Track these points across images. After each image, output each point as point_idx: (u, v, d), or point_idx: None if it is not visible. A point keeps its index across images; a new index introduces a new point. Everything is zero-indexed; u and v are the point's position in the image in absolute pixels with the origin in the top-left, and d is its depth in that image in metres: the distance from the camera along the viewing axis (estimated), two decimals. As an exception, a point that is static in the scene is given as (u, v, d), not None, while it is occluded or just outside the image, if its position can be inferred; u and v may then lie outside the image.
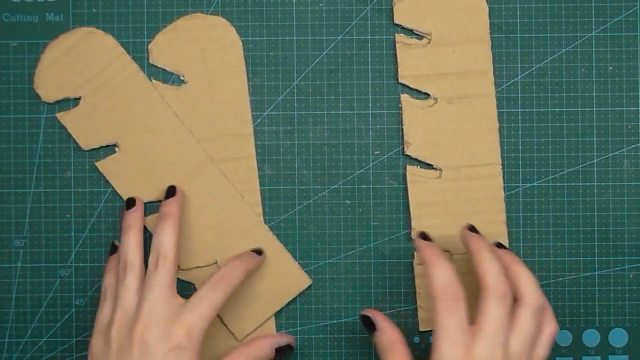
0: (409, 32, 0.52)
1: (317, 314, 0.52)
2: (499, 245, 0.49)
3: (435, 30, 0.51)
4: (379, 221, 0.52)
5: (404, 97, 0.52)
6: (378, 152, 0.52)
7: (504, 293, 0.43)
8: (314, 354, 0.52)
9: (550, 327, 0.45)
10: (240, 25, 0.52)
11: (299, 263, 0.52)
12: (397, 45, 0.51)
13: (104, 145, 0.51)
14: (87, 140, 0.51)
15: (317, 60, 0.52)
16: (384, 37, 0.52)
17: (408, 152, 0.51)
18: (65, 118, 0.51)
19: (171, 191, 0.50)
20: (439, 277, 0.44)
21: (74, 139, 0.52)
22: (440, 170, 0.51)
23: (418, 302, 0.51)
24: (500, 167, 0.51)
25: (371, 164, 0.52)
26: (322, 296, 0.52)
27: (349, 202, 0.52)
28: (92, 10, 0.52)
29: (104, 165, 0.51)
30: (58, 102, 0.51)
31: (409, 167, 0.52)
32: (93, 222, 0.52)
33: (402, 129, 0.52)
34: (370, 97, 0.52)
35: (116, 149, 0.51)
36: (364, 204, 0.52)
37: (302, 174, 0.52)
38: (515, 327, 0.44)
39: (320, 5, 0.52)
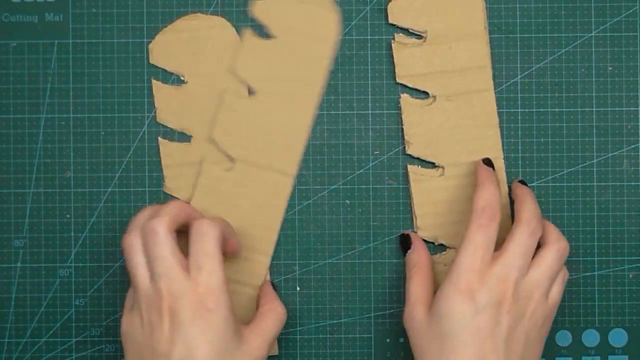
0: (406, 32, 0.52)
1: (317, 314, 0.52)
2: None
3: (431, 28, 0.51)
4: (378, 221, 0.52)
5: (404, 97, 0.51)
6: (378, 152, 0.52)
7: (534, 229, 0.46)
8: (314, 354, 0.52)
9: (564, 272, 0.48)
10: (240, 26, 0.52)
11: (298, 263, 0.52)
12: (393, 45, 0.51)
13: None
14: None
15: (316, 60, 0.52)
16: (384, 37, 0.52)
17: (409, 151, 0.51)
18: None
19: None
20: (483, 197, 0.46)
21: (73, 139, 0.52)
22: (443, 168, 0.51)
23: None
24: (503, 161, 0.51)
25: (371, 164, 0.52)
26: (322, 296, 0.52)
27: (348, 202, 0.52)
28: (91, 10, 0.52)
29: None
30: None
31: (410, 167, 0.52)
32: (93, 222, 0.52)
33: (401, 128, 0.52)
34: (369, 97, 0.52)
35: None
36: (364, 204, 0.52)
37: (301, 174, 0.52)
38: (538, 259, 0.46)
39: (320, 5, 0.52)
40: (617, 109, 0.52)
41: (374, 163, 0.52)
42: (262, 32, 0.51)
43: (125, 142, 0.52)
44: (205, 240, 0.45)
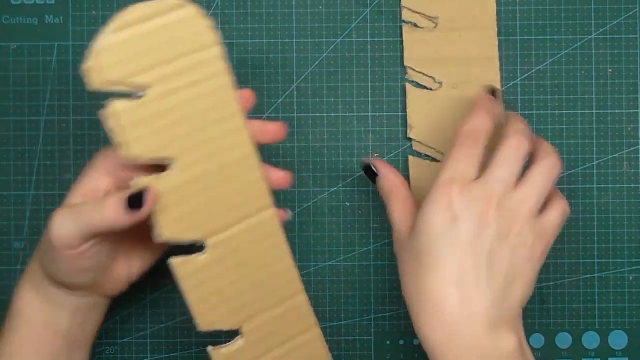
0: (414, 25, 0.52)
1: (317, 316, 0.52)
2: None
3: (442, 15, 0.51)
4: (378, 223, 0.52)
5: (408, 86, 0.52)
6: (378, 154, 0.52)
7: (519, 143, 0.42)
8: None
9: (564, 203, 0.44)
10: (239, 28, 0.52)
11: (298, 265, 0.52)
12: (403, 28, 0.51)
13: (157, 157, 0.40)
14: (137, 146, 0.39)
15: (316, 62, 0.52)
16: (384, 39, 0.52)
17: (410, 135, 0.51)
18: (120, 110, 0.38)
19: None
20: (473, 122, 0.43)
21: (73, 141, 0.52)
22: (443, 154, 0.51)
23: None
24: None
25: (371, 167, 0.52)
26: (322, 299, 0.52)
27: (348, 204, 0.52)
28: (91, 12, 0.52)
29: (154, 182, 0.40)
30: (108, 94, 0.39)
31: (410, 157, 0.52)
32: (93, 224, 0.52)
33: (401, 130, 0.52)
34: (370, 99, 0.52)
35: (170, 166, 0.40)
36: (364, 206, 0.52)
37: (302, 176, 0.52)
38: (525, 175, 0.42)
39: (320, 7, 0.52)
40: (617, 111, 0.52)
41: (374, 165, 0.52)
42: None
43: (125, 144, 0.52)
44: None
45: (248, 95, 0.42)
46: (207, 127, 0.40)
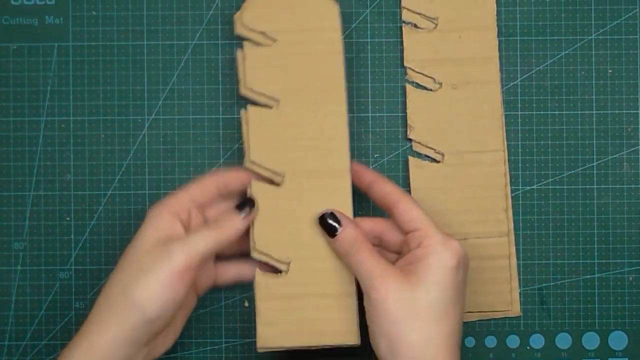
0: (414, 26, 0.52)
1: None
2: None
3: (442, 15, 0.51)
4: (378, 224, 0.52)
5: (407, 86, 0.52)
6: (378, 154, 0.52)
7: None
8: (314, 355, 0.52)
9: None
10: (240, 28, 0.52)
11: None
12: (403, 29, 0.51)
13: (266, 94, 0.48)
14: (254, 81, 0.48)
15: (316, 63, 0.52)
16: (384, 39, 0.52)
17: (411, 136, 0.51)
18: (250, 51, 0.48)
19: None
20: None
21: (73, 142, 0.52)
22: (442, 155, 0.51)
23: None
24: (505, 154, 0.51)
25: (371, 167, 0.52)
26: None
27: (348, 204, 0.52)
28: (91, 13, 0.52)
29: (253, 114, 0.48)
30: (244, 39, 0.48)
31: (410, 158, 0.52)
32: (93, 225, 0.52)
33: (401, 131, 0.52)
34: (370, 100, 0.52)
35: (273, 105, 0.48)
36: (364, 207, 0.52)
37: (301, 177, 0.52)
38: None
39: (320, 8, 0.52)
40: (617, 111, 0.52)
41: (374, 166, 0.52)
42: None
43: (125, 144, 0.52)
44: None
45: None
46: (311, 86, 0.48)
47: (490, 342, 0.52)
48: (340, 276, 0.47)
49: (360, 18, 0.52)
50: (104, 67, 0.52)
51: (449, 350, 0.43)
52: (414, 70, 0.52)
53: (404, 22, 0.52)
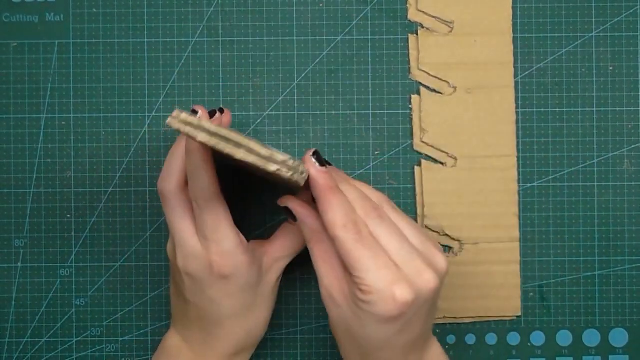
0: (424, 28, 0.52)
1: (317, 314, 0.52)
2: None
3: (458, 20, 0.51)
4: (379, 221, 0.52)
5: (422, 89, 0.52)
6: (378, 152, 0.52)
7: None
8: (314, 354, 0.52)
9: None
10: (240, 25, 0.52)
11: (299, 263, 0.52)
12: (419, 31, 0.52)
13: (441, 78, 0.51)
14: (429, 66, 0.51)
15: (317, 60, 0.52)
16: (384, 37, 0.52)
17: (424, 139, 0.51)
18: (424, 35, 0.51)
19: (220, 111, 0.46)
20: (338, 212, 0.40)
21: (74, 139, 0.52)
22: (455, 159, 0.51)
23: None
24: (516, 159, 0.51)
25: (371, 164, 0.52)
26: (317, 296, 0.52)
27: (349, 202, 0.52)
28: (92, 10, 0.52)
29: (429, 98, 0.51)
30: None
31: (423, 161, 0.52)
32: (93, 222, 0.52)
33: (402, 128, 0.52)
34: (370, 97, 0.52)
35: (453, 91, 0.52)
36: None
37: (302, 174, 0.52)
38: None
39: (321, 5, 0.52)
40: (617, 109, 0.52)
41: (374, 163, 0.52)
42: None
43: (125, 142, 0.52)
44: (209, 210, 0.42)
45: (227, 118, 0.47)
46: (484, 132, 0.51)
47: (491, 339, 0.52)
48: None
49: (361, 15, 0.52)
50: (105, 64, 0.52)
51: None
52: (428, 73, 0.52)
53: (421, 25, 0.52)
